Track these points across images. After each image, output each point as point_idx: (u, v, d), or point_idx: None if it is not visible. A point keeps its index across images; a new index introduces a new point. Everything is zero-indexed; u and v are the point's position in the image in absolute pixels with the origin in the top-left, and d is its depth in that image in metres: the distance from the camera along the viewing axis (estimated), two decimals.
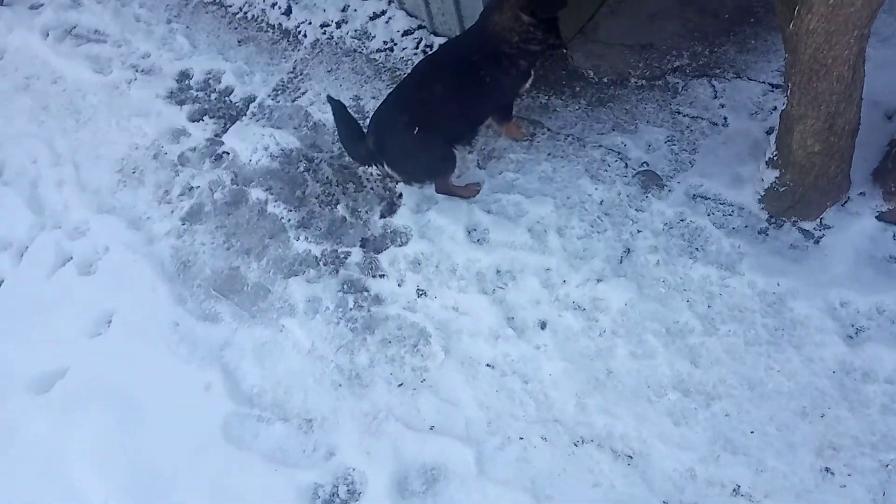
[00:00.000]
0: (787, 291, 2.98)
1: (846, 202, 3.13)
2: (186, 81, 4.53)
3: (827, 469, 2.64)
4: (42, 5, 5.16)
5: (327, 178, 3.87)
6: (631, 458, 2.80)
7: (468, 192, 3.61)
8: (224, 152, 4.12)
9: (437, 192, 3.62)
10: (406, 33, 4.29)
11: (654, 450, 2.79)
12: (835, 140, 2.77)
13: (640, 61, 3.89)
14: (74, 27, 5.04)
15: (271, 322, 3.44)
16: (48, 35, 4.97)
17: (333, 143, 3.97)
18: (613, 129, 3.67)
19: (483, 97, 3.35)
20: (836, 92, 2.59)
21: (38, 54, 4.94)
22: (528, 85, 3.43)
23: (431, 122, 3.27)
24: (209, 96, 4.41)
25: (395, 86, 3.68)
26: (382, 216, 3.67)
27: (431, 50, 4.14)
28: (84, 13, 5.06)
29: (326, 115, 4.00)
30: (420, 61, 3.62)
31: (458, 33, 3.98)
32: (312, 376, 3.24)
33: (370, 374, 3.20)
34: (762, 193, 3.18)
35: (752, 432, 2.75)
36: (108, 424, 3.25)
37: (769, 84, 3.59)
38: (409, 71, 3.82)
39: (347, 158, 3.84)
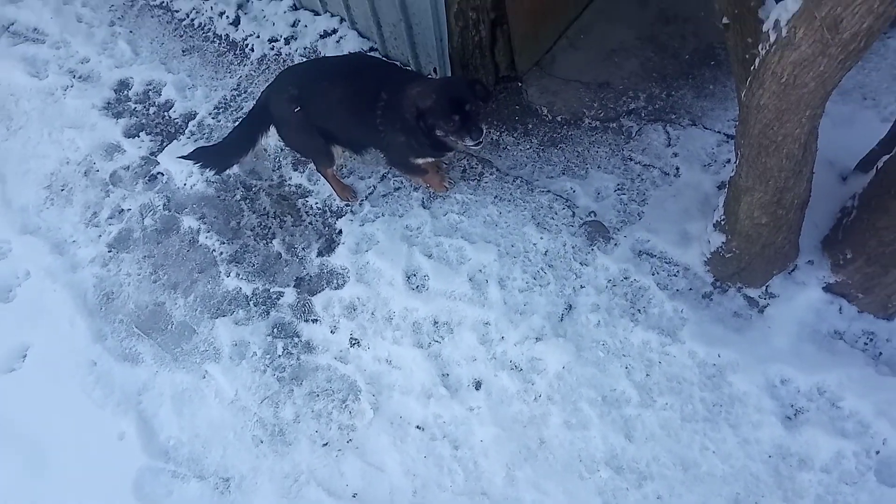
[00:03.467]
0: (728, 364, 2.88)
1: (793, 270, 3.03)
2: (125, 92, 4.28)
3: None
4: None
5: (265, 208, 3.68)
6: None
7: (342, 192, 3.57)
8: (158, 173, 3.91)
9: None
10: None
11: None
12: (783, 213, 2.65)
13: (596, 101, 3.74)
14: (12, 24, 4.75)
15: (194, 367, 3.27)
16: None
17: (273, 171, 3.78)
18: (563, 173, 3.53)
19: (368, 134, 3.16)
20: (786, 169, 2.45)
21: None
22: (421, 161, 3.21)
23: (313, 112, 3.12)
24: (147, 110, 4.18)
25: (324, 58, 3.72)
26: (320, 254, 3.51)
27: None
28: (23, 9, 4.78)
29: (268, 140, 3.78)
30: (353, 55, 3.46)
31: (410, 59, 3.79)
32: (233, 430, 3.09)
33: (294, 431, 3.05)
34: (708, 256, 3.06)
35: None
36: (11, 470, 3.08)
37: (724, 134, 3.47)
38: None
39: (287, 188, 3.66)
